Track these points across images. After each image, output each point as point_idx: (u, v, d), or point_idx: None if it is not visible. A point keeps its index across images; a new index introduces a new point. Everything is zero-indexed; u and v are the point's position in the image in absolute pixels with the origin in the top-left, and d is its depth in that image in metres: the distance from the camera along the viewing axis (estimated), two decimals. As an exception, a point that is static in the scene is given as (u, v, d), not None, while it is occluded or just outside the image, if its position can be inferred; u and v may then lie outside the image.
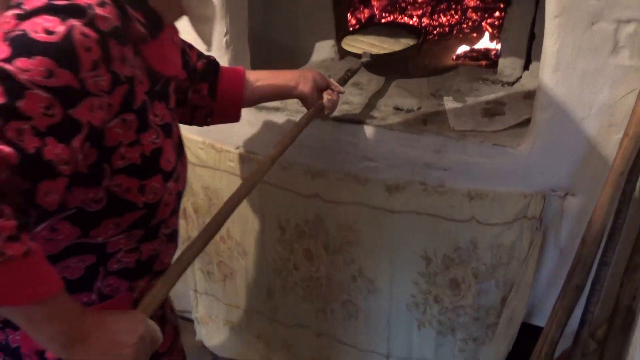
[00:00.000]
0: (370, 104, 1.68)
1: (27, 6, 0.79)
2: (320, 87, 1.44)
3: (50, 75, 0.74)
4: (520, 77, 1.74)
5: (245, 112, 1.61)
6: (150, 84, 0.95)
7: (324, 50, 1.98)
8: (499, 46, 1.89)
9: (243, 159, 1.72)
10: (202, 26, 1.04)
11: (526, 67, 1.73)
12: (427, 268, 1.60)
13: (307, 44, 2.00)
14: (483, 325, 1.62)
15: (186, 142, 1.12)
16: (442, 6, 2.18)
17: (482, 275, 1.55)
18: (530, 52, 1.69)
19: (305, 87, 1.40)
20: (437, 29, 2.15)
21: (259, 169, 1.20)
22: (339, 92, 1.48)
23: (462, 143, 1.46)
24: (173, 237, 1.09)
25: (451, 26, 2.16)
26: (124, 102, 0.86)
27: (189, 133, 1.57)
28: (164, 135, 0.97)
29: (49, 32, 0.75)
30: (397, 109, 1.64)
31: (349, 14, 2.12)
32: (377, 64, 1.82)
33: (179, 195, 1.06)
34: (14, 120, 0.70)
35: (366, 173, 1.57)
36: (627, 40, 1.22)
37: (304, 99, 1.42)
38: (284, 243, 1.79)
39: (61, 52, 0.75)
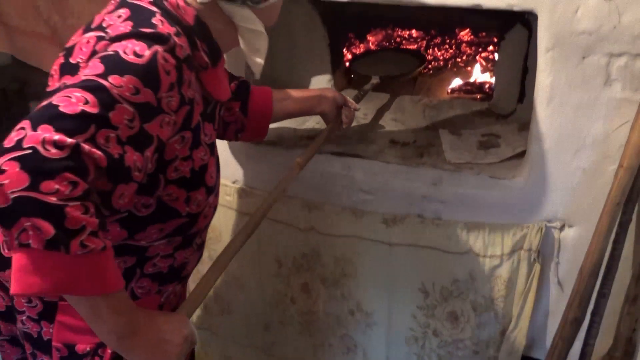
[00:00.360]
0: (367, 137, 1.69)
1: (112, 31, 0.91)
2: (339, 105, 1.54)
3: (137, 92, 0.83)
4: (515, 109, 1.76)
5: (243, 146, 1.63)
6: (204, 106, 1.06)
7: (320, 84, 2.00)
8: (493, 79, 1.91)
9: (240, 193, 1.72)
10: (255, 57, 1.13)
11: (520, 99, 1.75)
12: (426, 301, 1.59)
13: (304, 78, 2.02)
14: (483, 359, 1.60)
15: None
16: (437, 40, 2.22)
17: (481, 308, 1.54)
18: (524, 85, 1.71)
19: (326, 105, 1.52)
20: (432, 62, 2.18)
21: (287, 177, 1.33)
22: (355, 109, 1.59)
23: (458, 175, 1.46)
24: (201, 248, 1.20)
25: (446, 60, 2.19)
26: (185, 121, 0.96)
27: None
28: (210, 153, 1.06)
29: (137, 55, 0.85)
30: (393, 141, 1.65)
31: (344, 49, 2.15)
32: (382, 84, 1.89)
33: (215, 209, 1.16)
34: (104, 128, 0.79)
35: (363, 206, 1.57)
36: (618, 73, 1.23)
37: (324, 116, 1.55)
38: (281, 277, 1.78)
39: (147, 73, 0.85)
